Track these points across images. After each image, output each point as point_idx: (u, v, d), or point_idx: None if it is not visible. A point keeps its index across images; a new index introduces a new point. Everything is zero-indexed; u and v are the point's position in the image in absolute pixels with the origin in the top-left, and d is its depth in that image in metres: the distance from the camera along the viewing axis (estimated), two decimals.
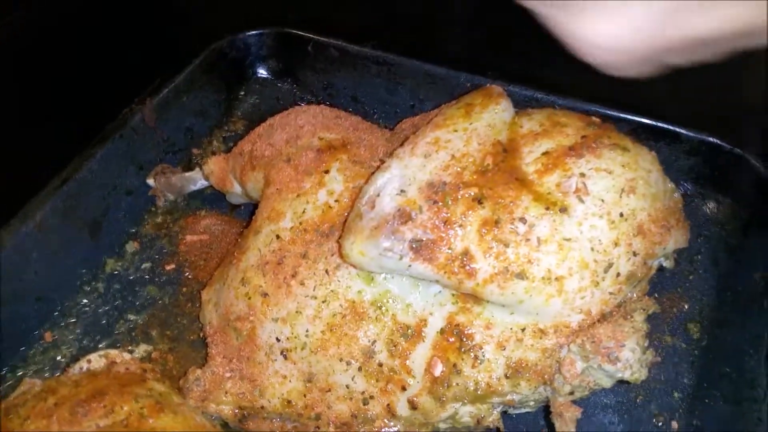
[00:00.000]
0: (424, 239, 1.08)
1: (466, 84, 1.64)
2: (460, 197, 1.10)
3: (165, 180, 1.57)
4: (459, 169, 1.13)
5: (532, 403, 1.17)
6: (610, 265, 1.08)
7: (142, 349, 1.38)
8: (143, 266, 1.52)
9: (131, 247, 1.54)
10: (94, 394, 1.11)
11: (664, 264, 1.19)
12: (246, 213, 1.62)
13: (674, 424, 1.28)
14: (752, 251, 1.42)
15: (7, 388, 1.30)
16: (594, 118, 1.22)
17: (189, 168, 1.66)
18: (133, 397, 1.12)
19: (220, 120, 1.80)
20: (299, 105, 1.64)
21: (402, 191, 1.11)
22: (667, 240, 1.14)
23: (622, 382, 1.11)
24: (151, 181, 1.59)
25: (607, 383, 1.09)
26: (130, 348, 1.37)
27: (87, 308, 1.44)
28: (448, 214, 1.09)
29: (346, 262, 1.14)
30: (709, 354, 1.34)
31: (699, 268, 1.46)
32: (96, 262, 1.50)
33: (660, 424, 1.28)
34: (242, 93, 1.86)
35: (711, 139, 1.49)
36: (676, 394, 1.31)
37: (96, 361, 1.24)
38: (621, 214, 1.09)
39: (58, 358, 1.36)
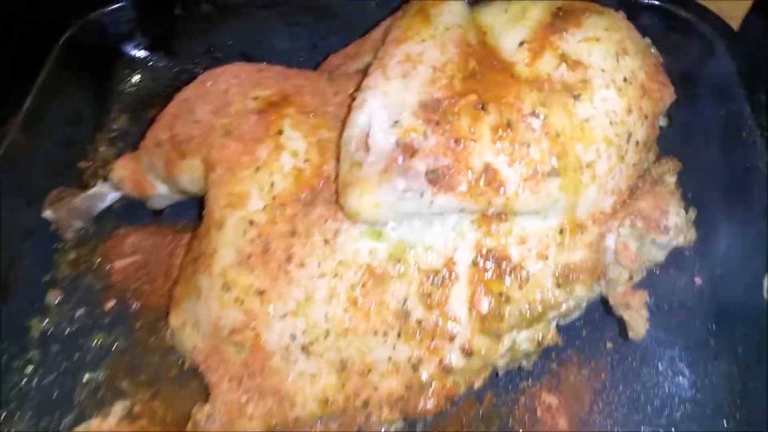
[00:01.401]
0: (439, 166, 0.94)
1: (371, 5, 1.48)
2: (460, 110, 0.96)
3: (66, 206, 1.28)
4: (446, 80, 0.99)
5: (583, 305, 1.08)
6: (630, 134, 1.01)
7: (118, 408, 1.12)
8: (77, 315, 1.23)
9: (53, 297, 1.25)
10: None
11: (661, 123, 1.14)
12: (173, 216, 1.37)
13: (697, 280, 1.27)
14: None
15: None
16: None
17: (84, 186, 1.36)
18: None
19: (99, 120, 1.50)
20: (183, 78, 1.40)
21: (395, 122, 0.96)
22: (665, 95, 1.09)
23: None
24: (48, 213, 1.28)
25: (661, 256, 1.04)
26: (104, 412, 1.11)
27: (28, 386, 1.15)
28: (456, 132, 0.95)
29: (356, 220, 0.98)
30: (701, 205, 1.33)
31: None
32: (18, 328, 1.20)
33: (684, 284, 1.26)
34: (113, 83, 1.56)
35: None
36: (687, 252, 1.29)
37: None
38: (625, 79, 1.02)
39: None
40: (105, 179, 1.31)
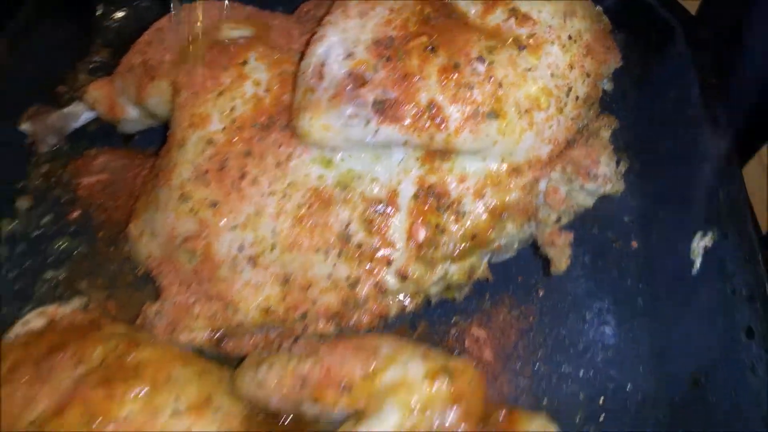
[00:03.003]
0: (386, 98, 1.01)
1: None
2: (411, 49, 1.04)
3: (42, 122, 1.35)
4: (401, 21, 1.07)
5: (515, 246, 1.16)
6: (570, 89, 1.08)
7: (75, 303, 1.19)
8: (44, 221, 1.31)
9: (22, 203, 1.32)
10: (54, 348, 0.96)
11: (605, 87, 1.22)
12: (142, 142, 1.44)
13: (633, 244, 1.35)
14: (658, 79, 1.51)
15: None
16: None
17: (61, 107, 1.43)
18: (100, 340, 0.98)
19: (81, 51, 1.57)
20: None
21: (349, 54, 1.03)
22: (610, 59, 1.16)
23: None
24: (25, 127, 1.35)
25: (589, 202, 1.12)
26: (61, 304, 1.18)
27: None
28: (405, 68, 1.02)
29: (306, 142, 1.05)
30: (645, 177, 1.41)
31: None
32: None
33: (620, 246, 1.34)
34: (98, 18, 1.63)
35: None
36: (626, 218, 1.37)
37: (34, 321, 1.06)
38: (569, 37, 1.09)
39: None
40: (80, 100, 1.38)
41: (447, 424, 0.82)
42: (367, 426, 0.84)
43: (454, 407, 0.83)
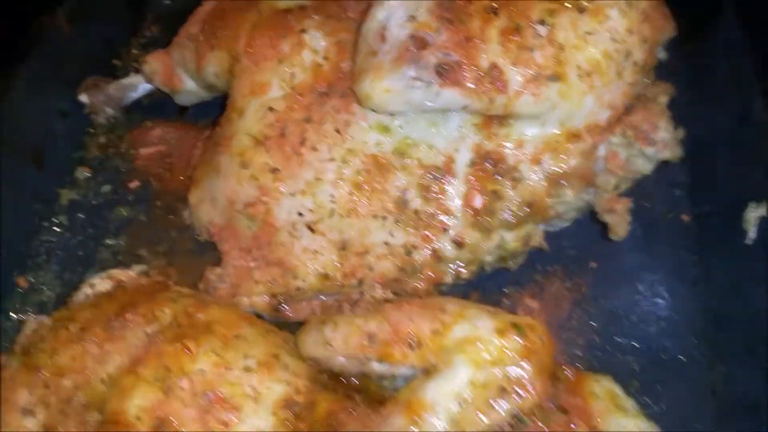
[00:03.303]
0: (448, 61, 1.02)
1: None
2: (473, 11, 1.04)
3: (100, 92, 1.38)
4: None
5: (572, 214, 1.16)
6: (629, 54, 1.08)
7: (136, 270, 1.22)
8: (103, 190, 1.34)
9: (82, 173, 1.36)
10: (125, 308, 0.98)
11: (660, 56, 1.21)
12: (196, 115, 1.47)
13: (684, 217, 1.34)
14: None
15: None
16: None
17: (117, 79, 1.46)
18: (170, 300, 1.00)
19: (134, 26, 1.60)
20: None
21: (411, 17, 1.04)
22: (666, 27, 1.15)
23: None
24: (83, 97, 1.39)
25: (647, 168, 1.11)
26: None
27: (56, 244, 1.27)
28: (467, 31, 1.03)
29: (367, 105, 1.06)
30: (696, 148, 1.39)
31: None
32: (49, 194, 1.32)
33: (671, 218, 1.34)
34: None
35: None
36: (677, 192, 1.37)
37: (100, 283, 1.09)
38: (628, 2, 1.08)
39: (43, 299, 1.20)
40: (137, 71, 1.40)
41: (519, 379, 0.83)
42: (437, 382, 0.84)
43: (525, 362, 0.83)
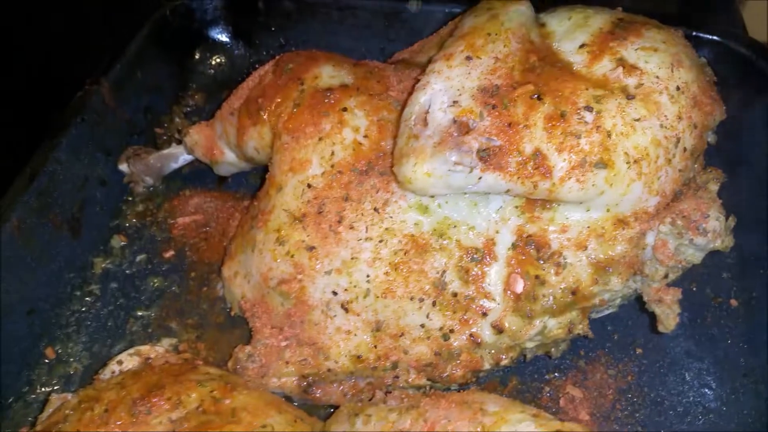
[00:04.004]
0: (491, 147, 1.00)
1: (439, 15, 1.57)
2: (517, 97, 1.03)
3: (140, 162, 1.39)
4: (507, 70, 1.06)
5: (618, 301, 1.12)
6: (678, 140, 1.05)
7: (165, 343, 1.21)
8: (138, 259, 1.33)
9: (117, 241, 1.36)
10: (150, 390, 0.95)
11: (709, 139, 1.18)
12: (235, 185, 1.47)
13: (732, 302, 1.28)
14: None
15: (19, 418, 1.09)
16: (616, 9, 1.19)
17: (158, 148, 1.47)
18: (196, 383, 0.97)
19: (177, 95, 1.63)
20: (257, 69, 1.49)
21: (454, 102, 1.03)
22: (716, 110, 1.13)
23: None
24: (123, 167, 1.40)
25: (698, 258, 1.07)
26: (153, 344, 1.19)
27: (86, 314, 1.25)
28: (511, 117, 1.01)
29: (407, 188, 1.04)
30: (743, 231, 1.35)
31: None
32: (82, 263, 1.31)
33: (719, 304, 1.28)
34: (194, 63, 1.69)
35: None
36: (725, 275, 1.32)
37: (128, 360, 1.07)
38: (677, 88, 1.06)
39: (70, 372, 1.17)
40: (179, 142, 1.41)
41: None
42: None
43: None
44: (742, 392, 1.19)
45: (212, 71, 1.69)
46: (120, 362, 1.07)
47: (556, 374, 1.20)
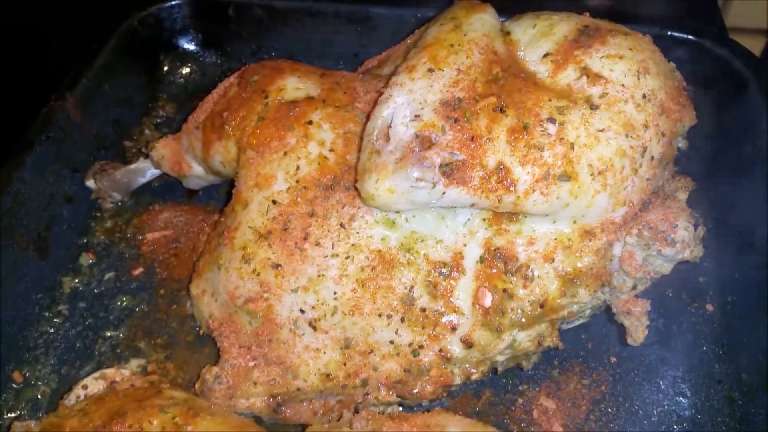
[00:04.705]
0: (454, 161, 0.99)
1: (411, 20, 1.55)
2: (479, 110, 1.01)
3: (108, 178, 1.37)
4: (469, 82, 1.04)
5: (587, 312, 1.11)
6: (645, 149, 1.04)
7: (133, 364, 1.20)
8: (106, 277, 1.32)
9: (85, 259, 1.34)
10: (111, 417, 0.94)
11: (680, 145, 1.17)
12: (206, 198, 1.46)
13: (708, 307, 1.27)
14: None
15: None
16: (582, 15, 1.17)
17: (126, 162, 1.45)
18: (159, 409, 0.96)
19: (147, 106, 1.61)
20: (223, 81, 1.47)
21: (416, 116, 1.01)
22: (684, 117, 1.11)
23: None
24: (90, 183, 1.38)
25: (667, 269, 1.06)
26: (120, 366, 1.18)
27: (55, 335, 1.23)
28: (473, 130, 1.00)
29: (370, 204, 1.03)
30: (720, 235, 1.34)
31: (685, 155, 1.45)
32: (51, 282, 1.29)
33: (695, 309, 1.27)
34: (164, 73, 1.67)
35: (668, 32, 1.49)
36: (701, 279, 1.31)
37: (93, 384, 1.06)
38: (644, 95, 1.05)
39: (38, 395, 1.16)
40: (146, 157, 1.40)
41: None
42: None
43: None
44: (716, 400, 1.18)
45: (183, 81, 1.67)
46: (85, 386, 1.06)
47: (529, 385, 1.19)
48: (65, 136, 1.36)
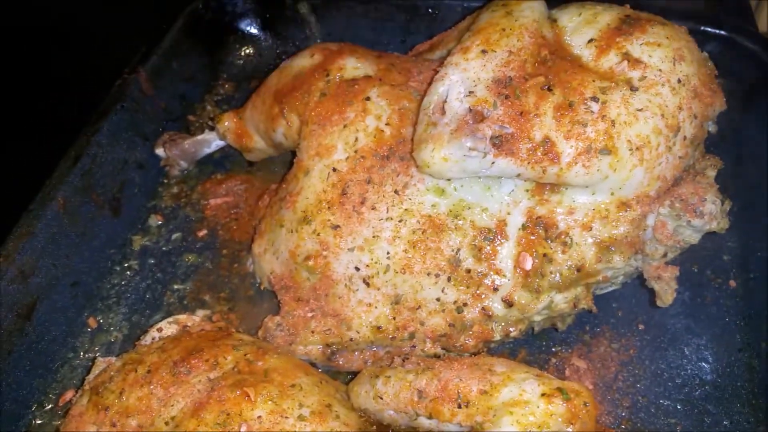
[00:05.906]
0: (504, 134, 1.08)
1: (458, 9, 1.65)
2: (528, 88, 1.11)
3: (176, 147, 1.49)
4: (519, 63, 1.14)
5: (620, 278, 1.20)
6: (678, 129, 1.13)
7: (200, 314, 1.31)
8: (173, 237, 1.44)
9: (154, 220, 1.46)
10: (190, 353, 1.05)
11: (710, 129, 1.26)
12: (263, 169, 1.57)
13: (731, 283, 1.36)
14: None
15: (66, 381, 1.20)
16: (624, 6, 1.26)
17: (192, 134, 1.57)
18: (231, 347, 1.07)
19: (209, 84, 1.73)
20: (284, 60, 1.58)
21: (470, 92, 1.11)
22: (716, 101, 1.20)
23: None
24: (160, 151, 1.50)
25: (695, 239, 1.14)
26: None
27: (126, 287, 1.36)
28: (522, 106, 1.10)
29: (425, 171, 1.13)
30: (744, 216, 1.42)
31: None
32: (122, 240, 1.42)
33: (719, 284, 1.36)
34: (225, 54, 1.78)
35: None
36: (725, 257, 1.39)
37: (167, 328, 1.17)
38: (679, 80, 1.14)
39: (111, 340, 1.28)
40: (212, 129, 1.51)
41: None
42: None
43: (570, 427, 0.87)
44: (736, 366, 1.26)
45: (241, 62, 1.79)
46: (160, 329, 1.17)
47: (562, 347, 1.29)
48: (137, 107, 1.48)
